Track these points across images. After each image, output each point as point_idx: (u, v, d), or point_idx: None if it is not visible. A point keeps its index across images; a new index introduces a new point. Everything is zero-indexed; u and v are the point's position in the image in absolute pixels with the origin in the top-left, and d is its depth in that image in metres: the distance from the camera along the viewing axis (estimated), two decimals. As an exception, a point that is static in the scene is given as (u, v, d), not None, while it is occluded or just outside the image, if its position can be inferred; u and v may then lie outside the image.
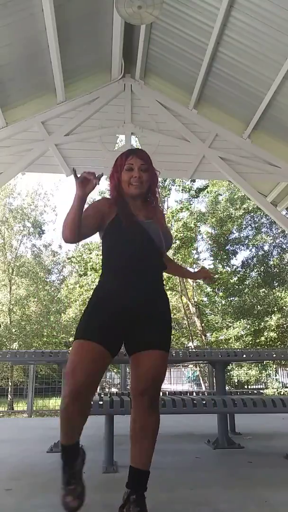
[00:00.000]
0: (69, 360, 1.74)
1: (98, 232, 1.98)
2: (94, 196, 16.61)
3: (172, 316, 2.03)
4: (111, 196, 2.05)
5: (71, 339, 18.10)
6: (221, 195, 16.99)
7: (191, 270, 2.22)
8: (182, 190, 15.77)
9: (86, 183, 1.74)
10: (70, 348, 1.81)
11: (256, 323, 15.75)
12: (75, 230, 1.80)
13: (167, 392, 5.57)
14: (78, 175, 1.75)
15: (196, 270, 2.31)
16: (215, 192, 16.71)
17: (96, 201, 2.07)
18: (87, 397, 1.73)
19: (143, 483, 1.77)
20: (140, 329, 1.82)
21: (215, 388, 4.77)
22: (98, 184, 1.74)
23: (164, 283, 2.10)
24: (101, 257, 2.06)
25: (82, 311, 1.91)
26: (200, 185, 15.86)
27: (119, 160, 2.02)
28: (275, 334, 15.57)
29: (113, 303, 1.83)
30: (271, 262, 16.75)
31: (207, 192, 16.47)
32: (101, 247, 2.04)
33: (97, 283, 1.97)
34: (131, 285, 1.85)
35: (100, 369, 1.77)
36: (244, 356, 4.23)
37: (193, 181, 14.65)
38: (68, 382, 1.69)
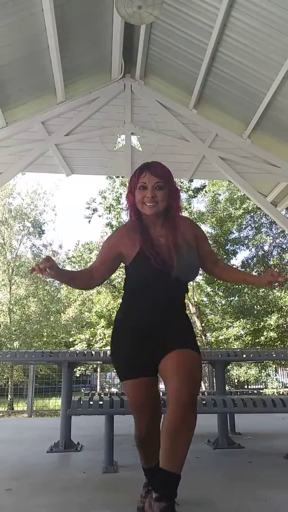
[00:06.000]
0: (130, 397, 1.87)
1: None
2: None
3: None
4: (129, 217, 1.94)
5: (71, 339, 18.14)
6: (220, 194, 16.98)
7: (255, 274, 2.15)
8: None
9: (44, 268, 1.60)
10: (123, 385, 1.92)
11: (256, 323, 15.77)
12: (81, 285, 1.97)
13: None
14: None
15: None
16: (213, 192, 16.69)
17: (112, 237, 1.96)
18: (158, 426, 1.80)
19: (174, 489, 1.54)
20: (162, 341, 1.77)
21: (215, 388, 4.76)
22: (48, 271, 1.61)
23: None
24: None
25: (111, 336, 1.96)
26: (198, 185, 15.83)
27: (132, 179, 1.90)
28: (275, 334, 15.59)
29: (131, 321, 1.85)
30: (271, 262, 16.75)
31: (205, 192, 16.45)
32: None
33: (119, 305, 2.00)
34: (148, 307, 1.82)
35: (157, 396, 1.88)
36: (244, 356, 4.21)
37: (191, 181, 14.62)
38: (139, 420, 1.84)
